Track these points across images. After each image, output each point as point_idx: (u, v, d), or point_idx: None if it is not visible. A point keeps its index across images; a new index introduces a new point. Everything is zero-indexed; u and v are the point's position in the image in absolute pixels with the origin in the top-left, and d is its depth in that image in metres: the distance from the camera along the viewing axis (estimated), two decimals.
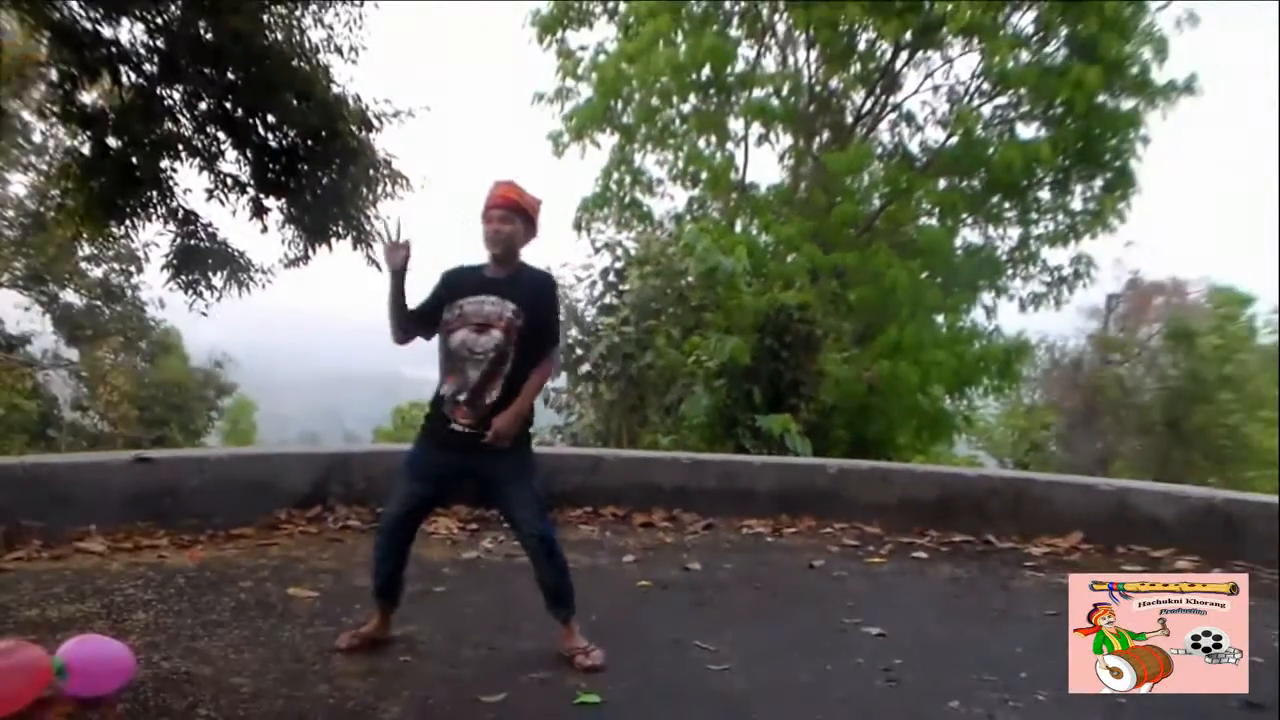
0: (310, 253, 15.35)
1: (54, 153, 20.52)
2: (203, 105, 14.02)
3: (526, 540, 4.63)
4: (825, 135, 23.40)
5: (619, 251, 15.01)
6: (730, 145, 23.17)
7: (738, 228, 21.83)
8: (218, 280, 15.52)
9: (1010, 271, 23.57)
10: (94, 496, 6.66)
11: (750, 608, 5.88)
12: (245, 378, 33.67)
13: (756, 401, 12.91)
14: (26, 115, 18.23)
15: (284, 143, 14.27)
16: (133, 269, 26.38)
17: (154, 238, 17.42)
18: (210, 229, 15.32)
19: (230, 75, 13.01)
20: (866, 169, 22.21)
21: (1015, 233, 23.77)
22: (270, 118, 14.00)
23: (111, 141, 13.85)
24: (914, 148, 23.37)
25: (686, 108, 22.68)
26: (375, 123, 14.69)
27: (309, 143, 14.12)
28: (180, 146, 14.32)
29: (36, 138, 21.65)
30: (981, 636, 5.45)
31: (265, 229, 15.16)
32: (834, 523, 8.15)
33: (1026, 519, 8.02)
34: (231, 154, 14.67)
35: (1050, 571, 7.03)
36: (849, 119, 23.47)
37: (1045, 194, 23.10)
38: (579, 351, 13.94)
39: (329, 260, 15.35)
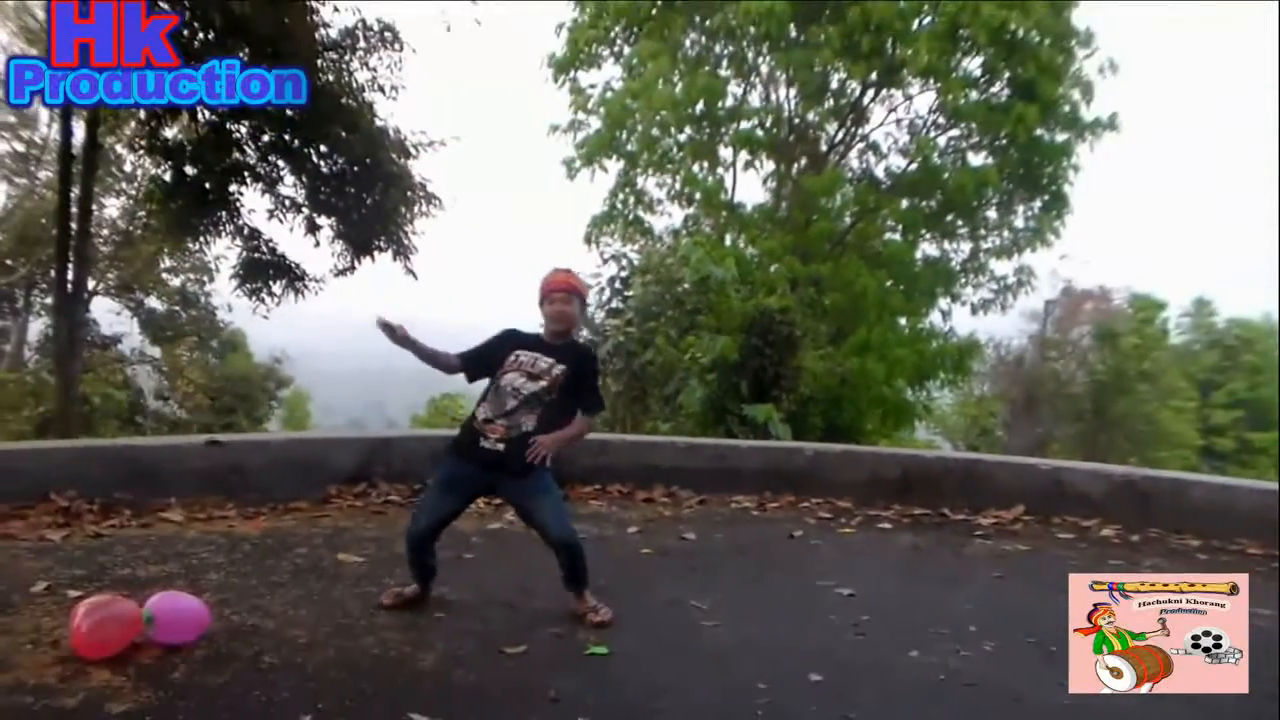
0: (356, 264, 15.42)
1: (141, 180, 20.62)
2: (265, 137, 14.10)
3: (553, 544, 4.56)
4: (803, 161, 23.40)
5: (624, 262, 15.04)
6: (720, 170, 23.24)
7: (727, 241, 21.85)
8: (277, 288, 15.63)
9: (963, 280, 23.62)
10: (174, 474, 6.66)
11: (738, 572, 5.87)
12: (300, 372, 33.65)
13: (744, 393, 12.90)
14: (119, 149, 18.28)
15: (334, 169, 14.33)
16: (205, 278, 26.61)
17: (224, 251, 17.56)
18: (271, 244, 15.45)
19: (289, 112, 13.04)
20: (839, 191, 22.26)
21: (967, 247, 23.90)
22: (323, 148, 14.07)
23: (188, 169, 13.96)
24: (879, 172, 23.44)
25: (683, 137, 22.69)
26: (412, 151, 14.77)
27: (355, 169, 14.19)
28: (246, 173, 14.43)
29: (127, 167, 21.71)
30: (937, 596, 5.44)
31: (318, 243, 15.26)
32: (811, 498, 8.13)
33: (976, 494, 8.01)
34: (289, 179, 14.77)
35: (997, 540, 7.03)
36: (824, 147, 23.48)
37: (992, 213, 23.23)
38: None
39: (372, 270, 15.41)
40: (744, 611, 4.94)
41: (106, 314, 25.12)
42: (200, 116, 13.34)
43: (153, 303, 26.98)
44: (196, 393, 25.63)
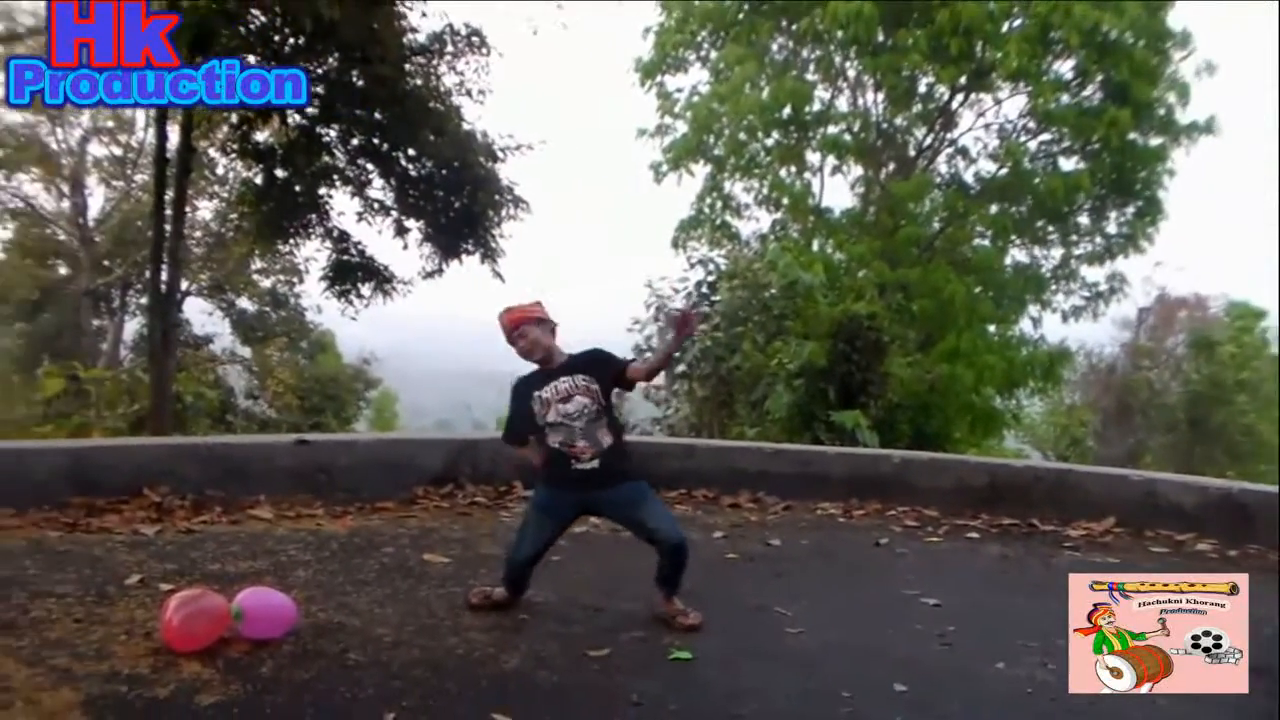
0: (444, 266, 15.63)
1: (233, 183, 21.07)
2: (354, 141, 14.35)
3: (664, 547, 4.57)
4: (891, 166, 23.26)
5: (711, 267, 15.04)
6: (808, 175, 23.18)
7: (815, 247, 21.78)
8: (366, 289, 15.88)
9: (1053, 287, 23.33)
10: (263, 472, 6.77)
11: (823, 579, 5.83)
12: (388, 373, 33.99)
13: (831, 399, 12.82)
14: (212, 152, 18.73)
15: (422, 172, 14.54)
16: (295, 280, 27.10)
17: (313, 253, 17.87)
18: (360, 246, 15.69)
19: (378, 115, 13.26)
20: (927, 196, 22.09)
21: (1058, 253, 23.61)
22: (411, 151, 14.28)
23: (279, 173, 14.25)
24: (968, 178, 23.18)
25: (770, 142, 22.66)
26: (500, 155, 14.91)
27: (444, 172, 14.38)
28: (335, 177, 14.70)
29: (219, 170, 22.20)
30: (1025, 607, 5.36)
31: (406, 246, 15.48)
32: (897, 506, 8.03)
33: (1066, 505, 7.85)
34: (378, 182, 15.01)
35: (1086, 551, 6.90)
36: (911, 152, 23.29)
37: (1084, 219, 22.90)
38: (675, 355, 13.96)
39: (460, 272, 15.61)
40: (829, 618, 4.90)
41: (199, 314, 25.78)
42: (290, 120, 13.60)
43: (244, 303, 27.60)
44: (286, 393, 26.08)
